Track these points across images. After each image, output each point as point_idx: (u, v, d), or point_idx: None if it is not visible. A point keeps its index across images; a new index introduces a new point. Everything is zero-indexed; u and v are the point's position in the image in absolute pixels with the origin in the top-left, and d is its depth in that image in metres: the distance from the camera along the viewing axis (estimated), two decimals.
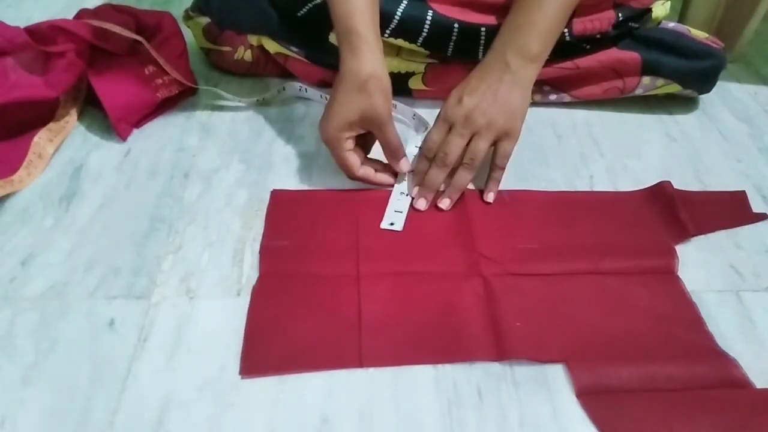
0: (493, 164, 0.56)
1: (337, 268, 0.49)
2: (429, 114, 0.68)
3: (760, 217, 0.57)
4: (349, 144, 0.55)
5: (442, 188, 0.56)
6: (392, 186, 0.57)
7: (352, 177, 0.56)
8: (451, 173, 0.55)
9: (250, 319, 0.45)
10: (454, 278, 0.49)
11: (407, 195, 0.56)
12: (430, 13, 0.62)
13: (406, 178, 0.57)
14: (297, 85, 0.67)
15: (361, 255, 0.50)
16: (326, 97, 0.62)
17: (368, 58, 0.52)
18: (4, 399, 0.40)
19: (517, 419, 0.40)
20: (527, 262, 0.51)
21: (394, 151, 0.55)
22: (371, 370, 0.43)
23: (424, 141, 0.57)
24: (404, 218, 0.54)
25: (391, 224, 0.54)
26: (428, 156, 0.56)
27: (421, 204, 0.55)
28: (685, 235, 0.54)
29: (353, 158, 0.55)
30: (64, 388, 0.41)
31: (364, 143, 0.57)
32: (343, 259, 0.50)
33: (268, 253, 0.51)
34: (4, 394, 0.40)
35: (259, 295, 0.47)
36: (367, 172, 0.56)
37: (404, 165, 0.56)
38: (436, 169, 0.55)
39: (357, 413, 0.40)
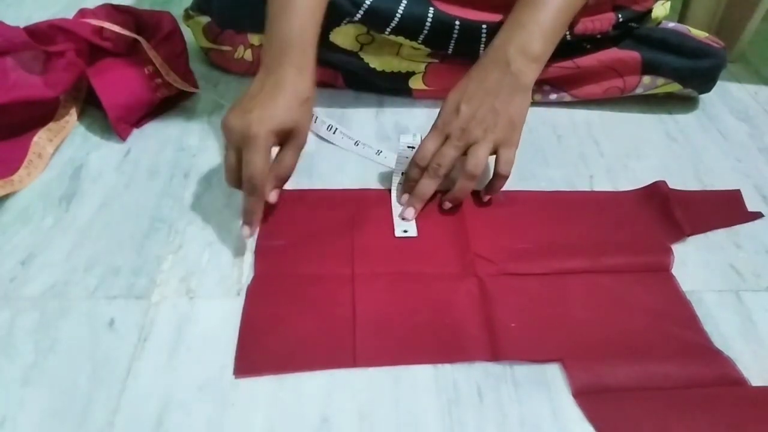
0: (497, 173, 0.54)
1: (332, 268, 0.49)
2: (429, 114, 0.68)
3: (755, 216, 0.57)
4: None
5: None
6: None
7: (250, 182, 0.48)
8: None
9: (245, 319, 0.45)
10: (449, 278, 0.49)
11: (398, 202, 0.56)
12: (431, 10, 0.62)
13: (395, 187, 0.57)
14: None
15: (356, 255, 0.50)
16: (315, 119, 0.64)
17: (311, 80, 0.53)
18: (4, 399, 0.40)
19: (517, 419, 0.40)
20: (522, 261, 0.51)
21: (284, 175, 0.52)
22: (371, 369, 0.43)
23: (418, 149, 0.55)
24: (415, 224, 0.54)
25: (405, 231, 0.53)
26: (421, 165, 0.54)
27: (409, 213, 0.54)
28: (680, 234, 0.54)
29: (267, 164, 0.49)
30: (64, 388, 0.41)
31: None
32: (339, 259, 0.50)
33: (263, 252, 0.51)
34: (4, 394, 0.40)
35: (254, 294, 0.47)
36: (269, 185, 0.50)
37: (272, 196, 0.51)
38: (428, 180, 0.54)
39: (357, 413, 0.40)
